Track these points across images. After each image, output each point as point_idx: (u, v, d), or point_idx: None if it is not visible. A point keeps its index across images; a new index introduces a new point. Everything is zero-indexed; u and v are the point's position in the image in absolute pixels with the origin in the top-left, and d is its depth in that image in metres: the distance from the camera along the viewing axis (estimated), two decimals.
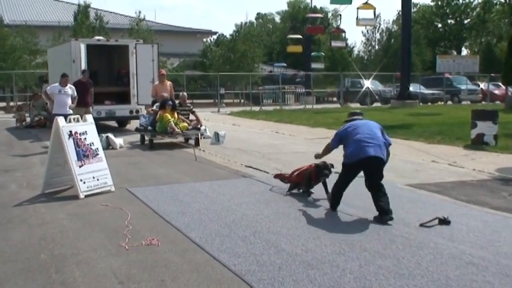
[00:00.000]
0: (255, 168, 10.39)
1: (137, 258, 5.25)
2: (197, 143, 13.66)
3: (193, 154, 11.97)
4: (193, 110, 15.30)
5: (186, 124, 14.14)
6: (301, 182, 7.97)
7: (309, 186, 7.86)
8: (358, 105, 35.68)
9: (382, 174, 6.78)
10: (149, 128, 14.18)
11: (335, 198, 7.06)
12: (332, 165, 7.77)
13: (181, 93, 16.10)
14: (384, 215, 6.46)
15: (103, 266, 5.03)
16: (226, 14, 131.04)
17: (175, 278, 4.74)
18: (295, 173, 8.17)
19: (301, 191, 8.05)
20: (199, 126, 14.51)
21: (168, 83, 16.55)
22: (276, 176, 8.80)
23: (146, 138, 14.37)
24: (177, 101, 14.96)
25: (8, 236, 6.08)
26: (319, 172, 7.65)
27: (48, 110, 18.24)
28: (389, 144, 6.93)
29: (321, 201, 7.57)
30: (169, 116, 13.69)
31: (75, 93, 13.40)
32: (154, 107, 14.87)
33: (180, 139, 14.36)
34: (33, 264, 5.12)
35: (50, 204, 7.59)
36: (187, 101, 15.83)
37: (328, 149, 7.40)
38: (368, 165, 6.67)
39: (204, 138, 14.48)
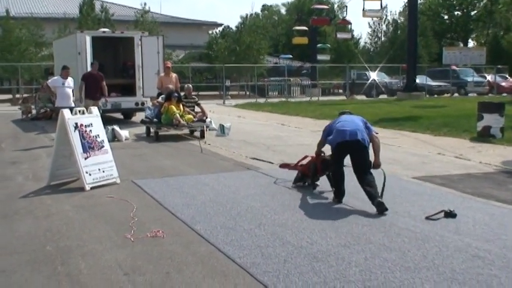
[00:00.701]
0: (259, 160, 10.39)
1: (142, 250, 5.26)
2: (202, 135, 13.69)
3: (199, 146, 11.97)
4: (199, 102, 15.24)
5: (191, 116, 14.07)
6: (307, 173, 7.96)
7: (315, 179, 7.86)
8: (364, 97, 35.59)
9: (366, 160, 6.95)
10: (154, 120, 14.15)
11: (336, 187, 7.20)
12: None
13: (186, 85, 16.03)
14: (373, 199, 6.65)
15: (108, 258, 5.04)
16: (232, 6, 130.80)
17: (180, 270, 4.74)
18: (301, 163, 8.21)
19: (306, 183, 8.02)
20: (204, 118, 14.42)
21: (174, 75, 16.55)
22: (282, 166, 8.85)
23: (152, 130, 14.35)
24: (182, 93, 14.95)
25: (14, 227, 6.10)
26: (324, 166, 7.65)
27: (54, 102, 18.26)
28: (376, 133, 7.27)
29: (326, 193, 7.55)
30: (174, 108, 13.65)
31: (73, 86, 13.39)
32: (160, 99, 14.84)
33: (186, 131, 14.32)
34: (39, 255, 5.14)
35: (56, 196, 7.61)
36: (193, 93, 15.79)
37: (320, 144, 7.69)
38: (347, 148, 6.99)
39: (209, 130, 14.49)
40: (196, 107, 14.93)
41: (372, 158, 6.99)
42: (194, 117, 14.19)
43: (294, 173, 8.27)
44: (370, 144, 7.03)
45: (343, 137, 6.94)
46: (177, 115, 13.54)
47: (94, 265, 4.87)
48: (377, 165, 7.00)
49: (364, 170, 6.92)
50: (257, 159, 10.49)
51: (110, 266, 4.85)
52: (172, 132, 14.12)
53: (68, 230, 5.97)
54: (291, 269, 4.72)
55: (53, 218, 6.47)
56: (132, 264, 4.87)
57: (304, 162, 8.15)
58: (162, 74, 16.47)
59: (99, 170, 8.23)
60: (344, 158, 7.15)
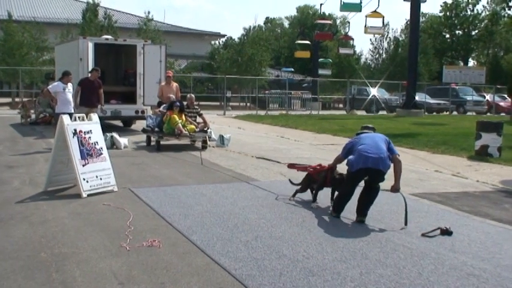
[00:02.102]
0: (267, 159, 10.88)
1: (138, 259, 5.24)
2: (204, 146, 13.63)
3: (200, 157, 11.92)
4: (201, 112, 15.01)
5: (193, 126, 13.94)
6: (315, 178, 7.87)
7: (320, 188, 7.79)
8: (364, 112, 35.67)
9: (381, 181, 6.94)
10: (156, 129, 14.05)
11: (339, 205, 7.12)
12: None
13: (188, 95, 15.90)
14: (359, 214, 6.85)
15: (103, 266, 5.03)
16: (236, 17, 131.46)
17: (175, 280, 4.73)
18: (310, 168, 8.14)
19: (314, 203, 7.77)
20: (206, 129, 14.26)
21: (175, 84, 16.45)
22: (290, 166, 8.88)
23: (152, 139, 14.24)
24: (184, 103, 14.85)
25: (9, 232, 6.08)
26: (334, 181, 7.57)
27: (53, 107, 18.27)
28: (398, 155, 7.02)
29: (324, 208, 7.55)
30: (177, 118, 13.57)
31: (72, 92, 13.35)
32: (162, 108, 14.70)
33: (186, 141, 14.22)
34: (34, 262, 5.12)
35: (52, 202, 7.60)
36: (195, 103, 15.68)
37: (337, 160, 7.56)
38: (366, 174, 6.86)
39: (210, 140, 14.44)
40: (198, 117, 14.78)
41: (390, 178, 6.91)
42: (196, 127, 14.04)
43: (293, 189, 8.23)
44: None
45: (365, 163, 6.73)
46: (179, 125, 13.44)
47: (89, 273, 4.85)
48: (396, 189, 6.89)
49: (375, 189, 6.94)
50: (265, 159, 10.75)
51: (105, 274, 4.83)
52: (174, 142, 14.02)
53: (63, 236, 5.95)
54: (287, 282, 4.71)
55: (48, 224, 6.45)
56: (127, 274, 4.86)
57: (313, 168, 8.06)
58: (163, 83, 16.44)
59: (96, 177, 8.22)
60: (358, 182, 7.09)
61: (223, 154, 12.96)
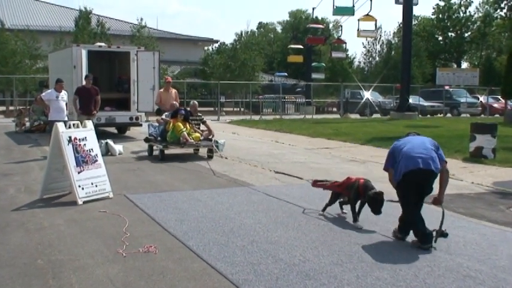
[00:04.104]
0: (287, 174, 10.61)
1: (134, 265, 5.24)
2: (210, 156, 13.15)
3: (210, 169, 11.27)
4: (205, 120, 14.38)
5: (198, 135, 13.36)
6: (345, 193, 7.20)
7: (355, 200, 7.01)
8: (358, 116, 35.74)
9: (432, 188, 6.16)
10: (158, 138, 13.52)
11: (406, 228, 6.20)
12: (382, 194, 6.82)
13: (191, 102, 15.04)
14: (424, 240, 5.96)
15: (100, 273, 5.03)
16: (229, 23, 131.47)
17: (172, 286, 4.73)
18: (337, 184, 7.46)
19: (343, 209, 7.37)
20: (211, 137, 13.71)
21: (173, 90, 15.85)
22: (315, 184, 7.98)
23: (154, 148, 13.55)
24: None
25: (5, 240, 6.07)
26: (365, 191, 6.85)
27: (47, 115, 18.24)
28: (445, 162, 6.29)
29: (320, 212, 7.56)
30: (181, 126, 12.99)
31: (67, 99, 13.31)
32: (164, 116, 13.95)
33: (189, 150, 13.65)
34: (30, 269, 5.12)
35: (48, 210, 7.59)
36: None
37: (389, 174, 6.36)
38: (417, 177, 5.98)
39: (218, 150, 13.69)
40: (201, 124, 14.16)
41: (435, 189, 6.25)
42: (201, 135, 13.49)
43: (305, 199, 8.17)
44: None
45: (415, 164, 5.92)
46: (185, 133, 12.85)
47: (85, 280, 4.85)
48: (439, 202, 6.30)
49: (421, 203, 6.21)
50: (284, 174, 10.61)
51: (102, 281, 4.84)
52: (176, 151, 13.40)
53: (59, 243, 5.95)
54: (283, 286, 4.72)
55: (45, 232, 6.45)
56: (123, 280, 4.86)
57: (340, 183, 7.38)
58: (162, 90, 15.89)
59: (92, 184, 8.22)
60: (413, 192, 6.10)
61: (217, 159, 12.95)
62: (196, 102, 14.93)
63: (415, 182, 6.00)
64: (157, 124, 14.10)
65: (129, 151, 14.47)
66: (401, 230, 6.25)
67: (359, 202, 7.01)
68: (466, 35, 70.04)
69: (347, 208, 7.27)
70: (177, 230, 6.50)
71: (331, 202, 7.44)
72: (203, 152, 13.60)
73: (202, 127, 14.12)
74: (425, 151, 6.03)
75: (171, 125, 13.09)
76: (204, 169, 11.49)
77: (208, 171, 11.18)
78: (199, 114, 14.55)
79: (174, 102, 14.42)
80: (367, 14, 34.50)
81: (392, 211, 7.40)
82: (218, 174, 10.84)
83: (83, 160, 8.27)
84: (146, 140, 13.92)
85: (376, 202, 6.67)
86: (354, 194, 6.95)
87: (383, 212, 6.79)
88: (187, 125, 13.35)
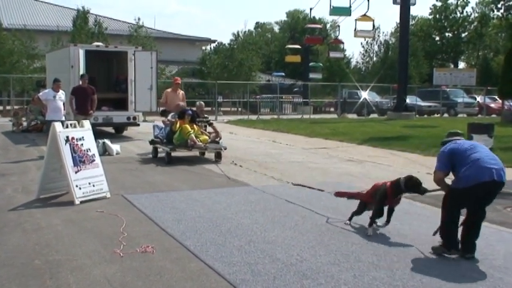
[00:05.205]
0: (306, 186, 9.45)
1: (132, 265, 5.24)
2: (219, 158, 12.69)
3: (223, 174, 10.78)
4: (211, 121, 13.97)
5: (206, 137, 12.80)
6: (371, 201, 6.77)
7: (381, 207, 6.61)
8: (355, 116, 35.78)
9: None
10: (164, 140, 12.89)
11: (448, 238, 5.74)
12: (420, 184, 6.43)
13: (198, 103, 14.45)
14: (467, 251, 5.66)
15: (97, 273, 5.03)
16: (226, 23, 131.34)
17: (169, 286, 4.73)
18: (361, 193, 7.21)
19: (373, 225, 6.64)
20: (218, 139, 13.17)
21: (181, 92, 15.15)
22: (338, 194, 7.61)
23: (159, 150, 13.09)
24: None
25: (2, 240, 6.07)
26: (396, 188, 6.44)
27: (44, 115, 18.21)
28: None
29: (321, 213, 7.56)
30: (189, 128, 12.36)
31: (64, 99, 13.29)
32: (170, 117, 13.27)
33: (195, 153, 13.19)
34: (28, 269, 5.12)
35: (45, 210, 7.58)
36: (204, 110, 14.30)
37: (439, 175, 5.94)
38: (486, 190, 5.58)
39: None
40: (208, 126, 13.65)
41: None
42: (208, 137, 12.93)
43: (315, 202, 8.07)
44: None
45: (490, 175, 5.45)
46: (192, 135, 12.24)
47: (83, 280, 4.85)
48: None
49: (481, 219, 5.78)
50: (303, 186, 9.54)
51: (99, 281, 4.84)
52: (183, 153, 12.90)
53: (57, 244, 5.95)
54: (280, 286, 4.73)
55: (42, 232, 6.44)
56: (121, 280, 4.86)
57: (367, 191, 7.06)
58: (169, 90, 15.10)
59: (89, 184, 8.22)
60: (474, 201, 5.69)
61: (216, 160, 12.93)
62: (202, 103, 14.50)
63: (483, 193, 5.61)
64: (163, 125, 13.52)
65: (126, 151, 14.45)
66: (447, 243, 5.73)
67: (386, 208, 6.64)
68: (463, 35, 70.19)
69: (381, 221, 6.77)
70: (175, 230, 6.51)
71: (357, 212, 6.96)
72: (208, 154, 13.18)
73: (209, 129, 13.62)
74: (495, 161, 5.62)
75: (177, 125, 12.52)
76: (202, 169, 11.47)
77: (205, 171, 11.18)
78: (205, 115, 14.12)
79: (180, 103, 13.76)
80: (364, 14, 34.59)
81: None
82: (216, 175, 10.83)
83: (80, 160, 8.26)
84: (152, 142, 13.33)
85: (415, 183, 6.38)
86: (380, 196, 6.53)
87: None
88: (195, 127, 12.73)
